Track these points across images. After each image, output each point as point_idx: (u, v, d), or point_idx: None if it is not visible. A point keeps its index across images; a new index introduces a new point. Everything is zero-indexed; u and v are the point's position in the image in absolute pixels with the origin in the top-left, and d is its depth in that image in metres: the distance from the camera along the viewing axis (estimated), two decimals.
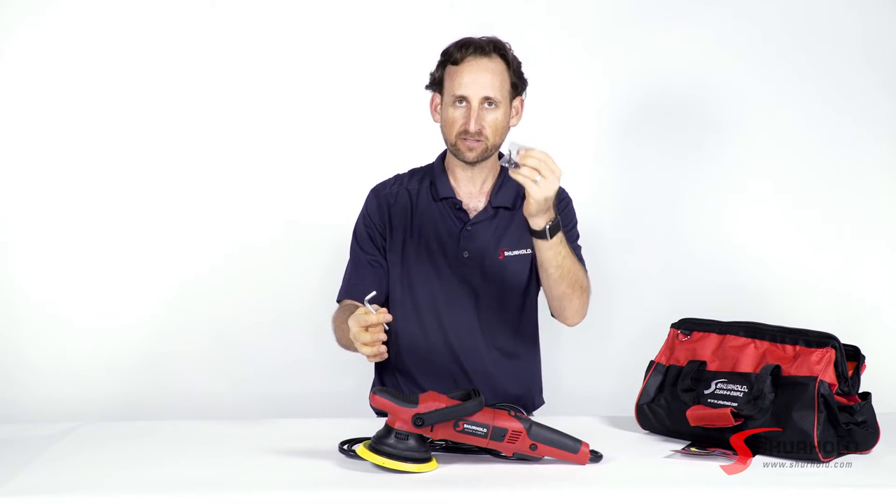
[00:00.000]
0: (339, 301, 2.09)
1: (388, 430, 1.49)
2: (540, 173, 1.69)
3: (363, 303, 1.69)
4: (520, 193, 2.06)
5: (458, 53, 1.97)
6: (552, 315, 2.06)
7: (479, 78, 1.96)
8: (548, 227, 1.78)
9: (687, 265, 2.88)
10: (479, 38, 1.98)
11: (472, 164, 2.02)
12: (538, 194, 1.70)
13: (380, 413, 2.07)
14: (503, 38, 2.02)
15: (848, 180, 2.89)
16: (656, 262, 2.89)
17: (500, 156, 2.04)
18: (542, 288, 2.02)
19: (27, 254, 2.83)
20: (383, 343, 1.69)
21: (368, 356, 1.70)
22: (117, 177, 2.84)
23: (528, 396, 2.12)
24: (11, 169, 2.83)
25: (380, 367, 2.16)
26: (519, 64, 2.02)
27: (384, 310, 1.68)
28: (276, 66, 2.85)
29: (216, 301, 2.86)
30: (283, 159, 2.86)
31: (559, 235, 1.82)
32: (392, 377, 2.11)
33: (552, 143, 2.75)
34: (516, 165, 1.69)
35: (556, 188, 1.71)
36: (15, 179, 2.83)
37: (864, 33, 2.86)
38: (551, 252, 1.84)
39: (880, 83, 2.87)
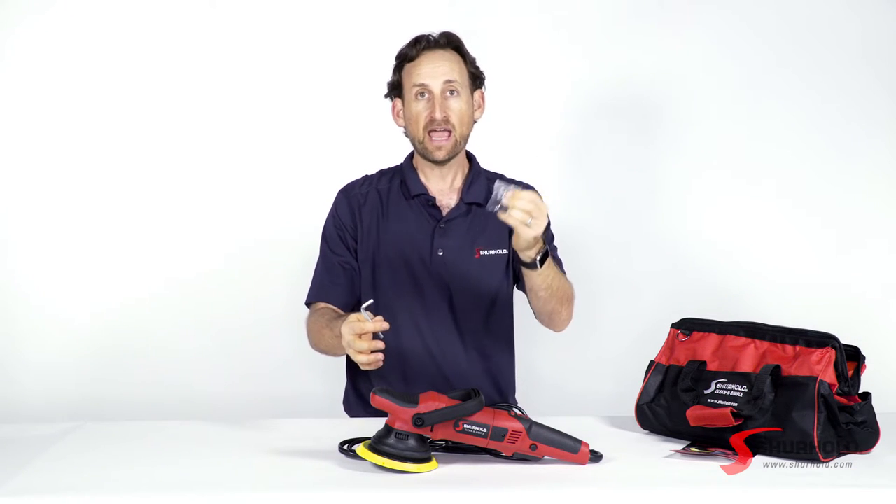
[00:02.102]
0: (308, 304, 2.07)
1: (388, 430, 1.49)
2: (531, 215, 1.68)
3: (360, 310, 1.69)
4: (491, 190, 2.06)
5: (412, 50, 2.00)
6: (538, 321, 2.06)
7: (438, 66, 1.98)
8: (538, 257, 1.79)
9: (686, 265, 2.88)
10: (429, 33, 2.01)
11: (442, 163, 2.02)
12: (529, 235, 1.71)
13: (353, 415, 2.07)
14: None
15: (848, 180, 2.89)
16: (656, 262, 2.89)
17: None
18: (527, 299, 2.02)
19: (27, 254, 2.83)
20: (380, 351, 1.69)
21: (363, 364, 1.69)
22: (116, 177, 2.85)
23: (502, 397, 2.10)
24: (11, 169, 2.83)
25: (352, 372, 2.14)
26: (474, 59, 2.04)
27: (380, 318, 1.68)
28: (277, 67, 2.86)
29: (216, 301, 2.87)
30: (280, 160, 2.87)
31: (548, 260, 1.82)
32: (365, 380, 2.09)
33: (553, 144, 2.79)
34: (504, 208, 1.68)
35: (544, 225, 1.71)
36: (15, 179, 2.83)
37: (864, 34, 2.86)
38: (540, 278, 1.85)
39: (880, 83, 2.87)
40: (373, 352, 1.69)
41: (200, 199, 2.87)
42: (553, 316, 1.97)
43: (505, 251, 2.05)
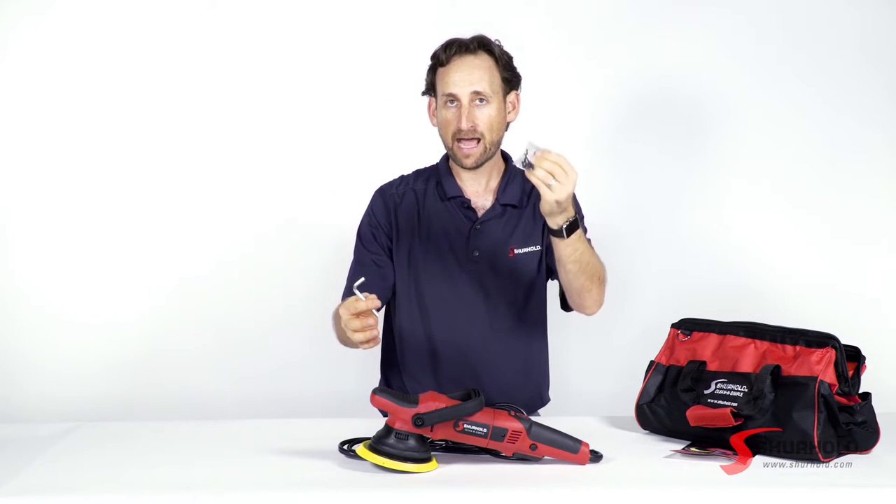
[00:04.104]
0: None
1: (388, 430, 1.49)
2: (554, 177, 1.68)
3: (353, 291, 1.69)
4: (526, 190, 2.08)
5: (443, 55, 1.98)
6: (565, 307, 2.06)
7: (467, 75, 1.96)
8: (565, 226, 1.78)
9: (687, 265, 2.88)
10: (465, 38, 1.99)
11: (472, 169, 2.02)
12: (550, 197, 1.70)
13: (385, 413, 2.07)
14: (506, 37, 2.02)
15: (848, 180, 2.89)
16: (656, 262, 2.89)
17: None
18: (558, 281, 2.02)
19: (27, 254, 2.83)
20: (374, 329, 1.69)
21: (360, 342, 1.69)
22: (117, 177, 2.84)
23: (536, 394, 2.12)
24: (11, 169, 2.83)
25: (386, 369, 2.16)
26: (509, 59, 2.02)
27: (373, 296, 1.68)
28: (277, 67, 2.86)
29: (216, 301, 2.86)
30: (283, 159, 2.87)
31: (578, 232, 1.81)
32: (398, 378, 2.11)
33: (554, 145, 2.78)
34: (531, 166, 1.68)
35: (570, 192, 1.70)
36: (15, 179, 2.83)
37: (864, 33, 2.86)
38: (569, 249, 1.83)
39: (880, 83, 2.87)
40: (368, 330, 1.69)
41: (202, 198, 2.86)
42: (583, 293, 1.94)
43: (538, 247, 2.06)
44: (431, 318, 2.05)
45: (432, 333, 2.06)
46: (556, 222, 1.77)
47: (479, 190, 2.08)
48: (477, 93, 1.96)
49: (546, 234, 2.05)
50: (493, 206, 2.06)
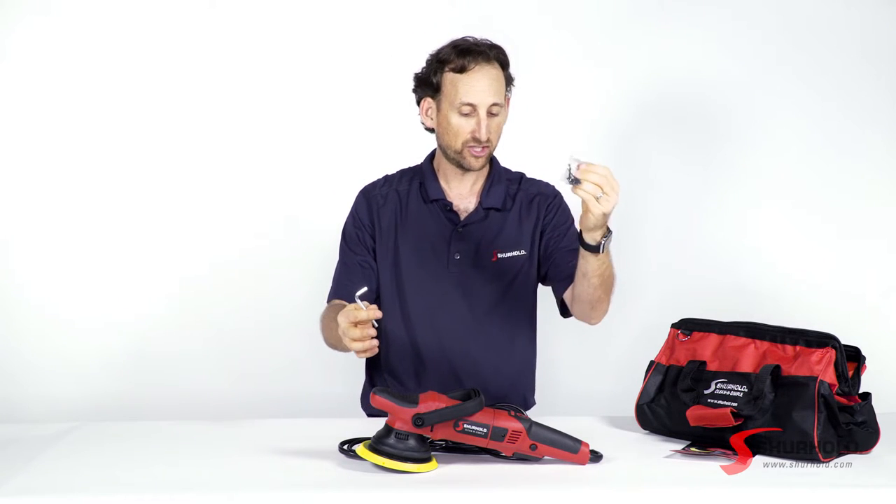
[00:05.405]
0: (328, 303, 2.07)
1: (388, 430, 1.49)
2: (602, 190, 1.66)
3: (354, 299, 1.68)
4: (510, 194, 2.07)
5: (461, 61, 1.94)
6: (565, 314, 2.05)
7: (488, 86, 1.94)
8: (603, 241, 1.76)
9: (687, 265, 2.88)
10: (479, 44, 1.96)
11: (476, 170, 2.02)
12: (598, 211, 1.67)
13: (370, 414, 2.07)
14: (503, 39, 2.02)
15: (848, 180, 2.89)
16: (656, 262, 2.89)
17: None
18: (553, 289, 2.01)
19: (27, 254, 2.83)
20: (373, 339, 1.68)
21: (358, 352, 1.68)
22: (117, 177, 2.85)
23: (519, 397, 2.10)
24: (11, 169, 2.83)
25: (370, 370, 2.15)
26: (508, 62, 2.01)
27: (374, 306, 1.66)
28: (276, 67, 2.86)
29: (216, 301, 2.87)
30: (282, 159, 2.87)
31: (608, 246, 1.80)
32: (382, 379, 2.10)
33: (553, 144, 2.79)
34: (576, 181, 1.65)
35: (615, 203, 1.68)
36: (15, 179, 2.83)
37: (864, 33, 2.86)
38: (598, 262, 1.80)
39: (880, 83, 2.87)
40: (367, 340, 1.67)
41: (201, 199, 2.86)
42: (596, 305, 1.91)
43: (523, 252, 2.04)
44: (414, 321, 2.04)
45: (415, 336, 2.04)
46: (594, 238, 1.75)
47: (464, 192, 2.07)
48: (496, 104, 1.95)
49: (541, 243, 2.04)
50: (475, 210, 2.05)
